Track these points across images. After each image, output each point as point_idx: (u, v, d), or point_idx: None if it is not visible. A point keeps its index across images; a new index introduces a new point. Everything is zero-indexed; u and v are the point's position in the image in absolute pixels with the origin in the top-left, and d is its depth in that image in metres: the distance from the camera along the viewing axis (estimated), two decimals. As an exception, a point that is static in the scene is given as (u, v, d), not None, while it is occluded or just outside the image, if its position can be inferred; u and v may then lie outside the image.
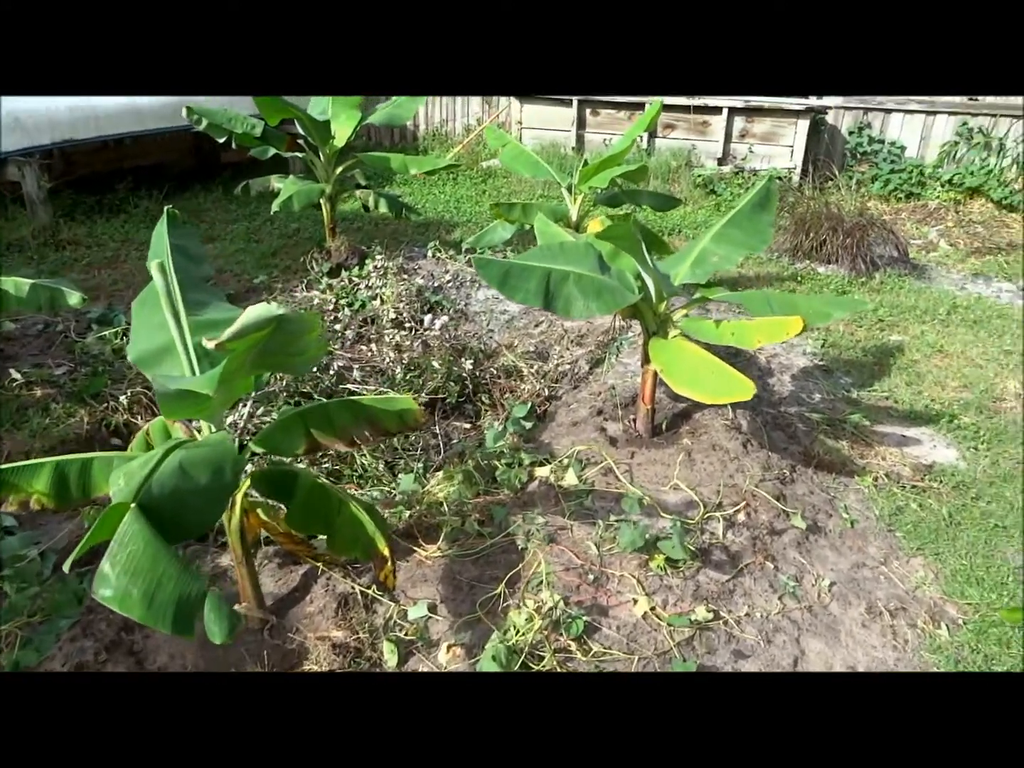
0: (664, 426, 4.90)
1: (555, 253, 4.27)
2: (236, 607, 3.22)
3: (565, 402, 5.55)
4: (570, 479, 4.10)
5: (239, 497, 2.99)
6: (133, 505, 2.21)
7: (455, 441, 5.51)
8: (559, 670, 2.90)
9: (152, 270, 2.69)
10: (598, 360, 6.00)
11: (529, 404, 5.52)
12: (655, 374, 4.60)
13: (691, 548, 3.50)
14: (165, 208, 3.48)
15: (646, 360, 4.60)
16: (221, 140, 7.12)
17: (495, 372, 5.98)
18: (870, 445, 4.95)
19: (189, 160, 11.22)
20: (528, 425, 5.33)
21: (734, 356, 5.81)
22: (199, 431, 3.00)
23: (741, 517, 3.99)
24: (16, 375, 5.09)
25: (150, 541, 2.14)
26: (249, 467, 3.22)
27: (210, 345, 2.10)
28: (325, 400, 2.94)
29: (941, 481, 4.57)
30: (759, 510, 4.12)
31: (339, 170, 7.59)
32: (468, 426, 5.63)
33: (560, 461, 4.35)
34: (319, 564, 3.58)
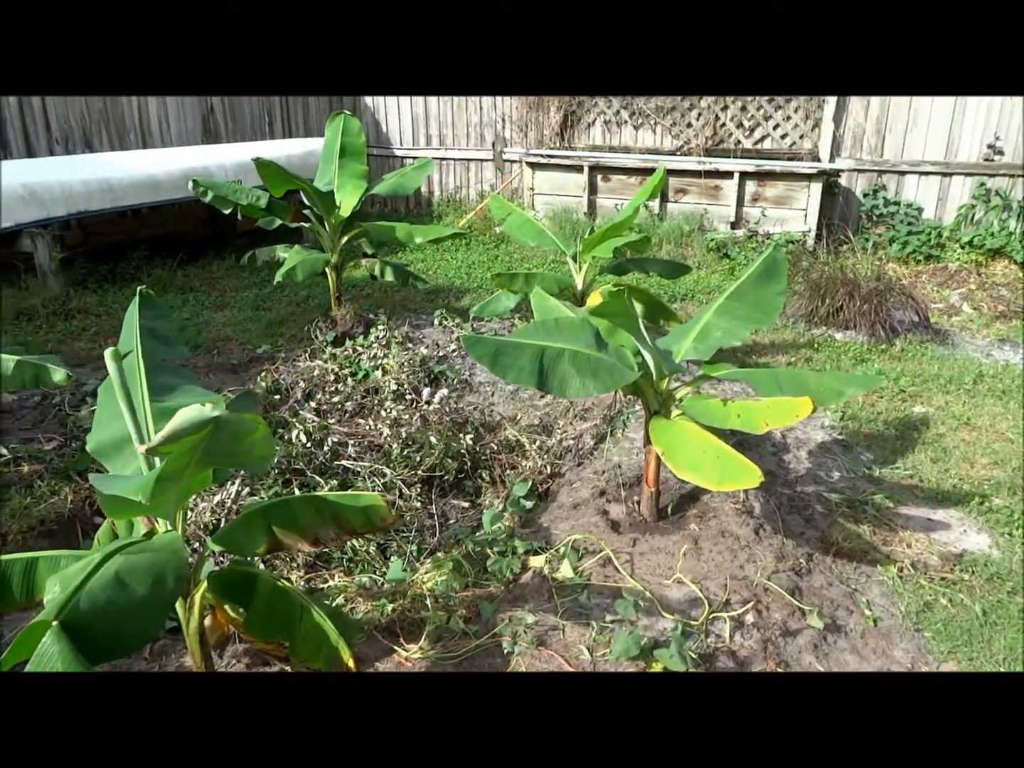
0: (670, 509, 4.62)
1: (550, 329, 4.08)
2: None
3: (568, 480, 5.30)
4: (565, 571, 3.82)
5: (197, 597, 2.77)
6: (54, 623, 2.00)
7: (452, 521, 5.26)
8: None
9: (106, 357, 2.53)
10: (603, 435, 5.75)
11: (530, 482, 5.28)
12: (658, 456, 4.34)
13: (693, 655, 3.19)
14: (138, 289, 3.35)
15: (648, 440, 4.35)
16: (227, 212, 7.13)
17: (496, 447, 5.76)
18: (894, 530, 4.62)
19: (205, 229, 11.34)
20: (528, 505, 5.09)
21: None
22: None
23: (751, 617, 3.67)
24: (3, 451, 4.95)
25: (71, 664, 1.92)
26: (210, 565, 3.01)
27: (141, 449, 1.91)
28: (286, 496, 2.74)
29: (973, 572, 4.21)
30: (771, 607, 3.80)
31: (345, 239, 7.55)
32: (467, 505, 5.39)
33: (556, 549, 4.07)
34: (289, 667, 3.32)
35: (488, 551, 4.11)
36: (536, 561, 3.99)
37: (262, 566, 2.95)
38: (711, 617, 3.60)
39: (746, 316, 4.24)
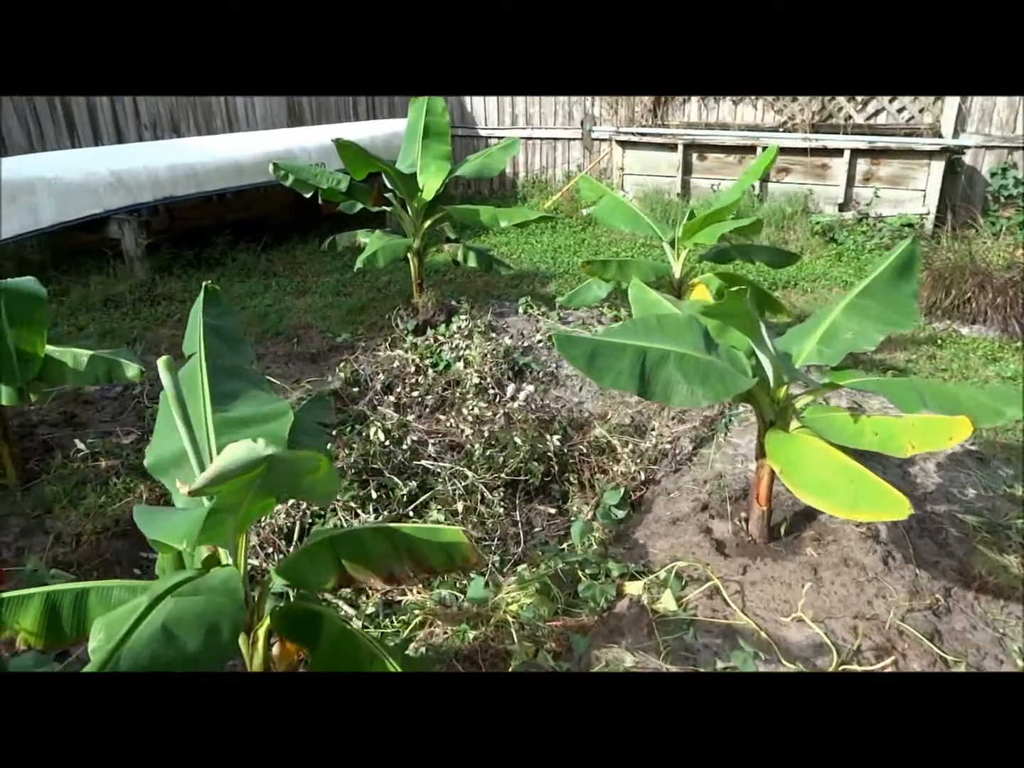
0: (783, 529, 4.12)
1: (652, 328, 3.63)
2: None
3: (664, 489, 4.84)
4: (667, 603, 3.40)
5: (261, 632, 2.48)
6: (93, 685, 1.72)
7: (538, 529, 4.89)
8: None
9: (160, 368, 2.25)
10: (703, 439, 5.26)
11: (622, 490, 4.85)
12: (772, 472, 3.85)
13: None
14: (204, 284, 3.08)
15: (761, 454, 3.86)
16: (307, 196, 6.91)
17: (585, 449, 5.34)
18: (1046, 562, 3.99)
19: (289, 213, 11.26)
20: (620, 514, 4.67)
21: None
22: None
23: (888, 670, 3.17)
24: (81, 445, 4.85)
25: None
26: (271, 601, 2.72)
27: (183, 490, 1.60)
28: (358, 526, 2.42)
29: None
30: (908, 655, 3.28)
31: (427, 224, 7.24)
32: (553, 511, 5.01)
33: (656, 575, 3.65)
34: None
35: (579, 573, 3.72)
36: (633, 587, 3.58)
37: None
38: (840, 668, 3.11)
39: (879, 317, 3.68)
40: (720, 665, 3.01)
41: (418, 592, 3.99)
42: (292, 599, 2.43)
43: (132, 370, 4.22)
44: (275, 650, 2.73)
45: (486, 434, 5.18)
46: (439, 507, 4.67)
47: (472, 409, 5.39)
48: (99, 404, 5.82)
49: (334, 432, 5.25)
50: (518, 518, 4.84)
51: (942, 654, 3.29)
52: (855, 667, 3.08)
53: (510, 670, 3.11)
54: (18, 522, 4.22)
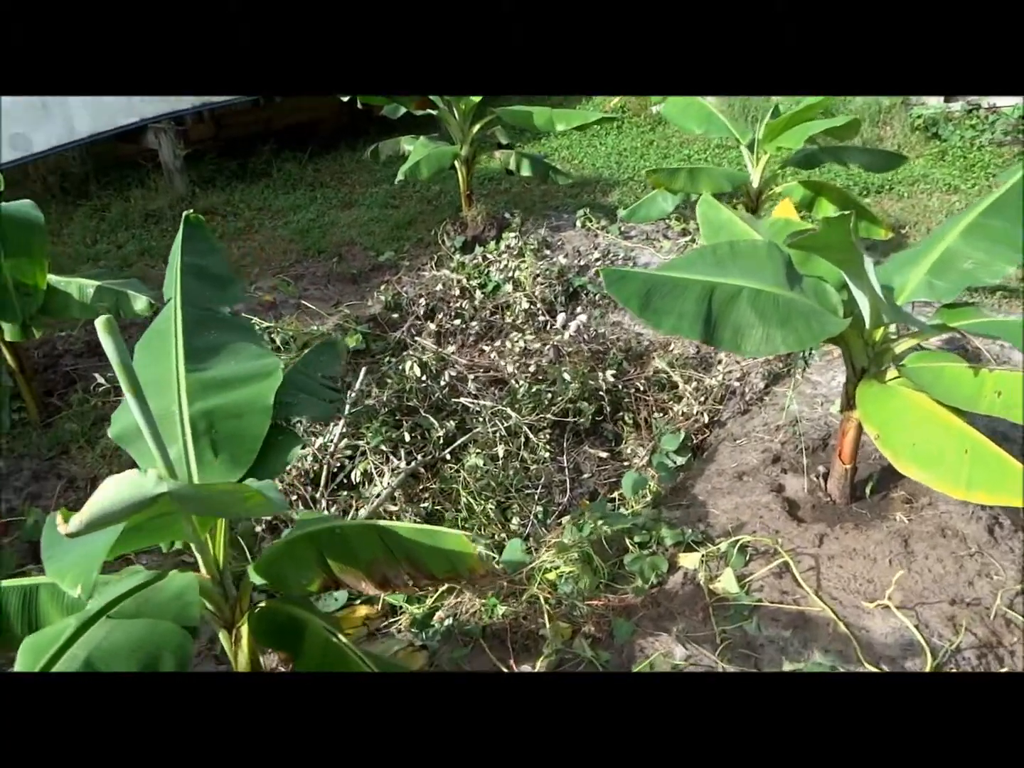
0: (868, 488, 3.56)
1: (722, 257, 3.02)
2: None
3: (730, 433, 4.30)
4: (728, 584, 2.93)
5: (245, 630, 2.13)
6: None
7: (586, 476, 4.45)
8: None
9: (98, 329, 1.81)
10: (777, 376, 4.65)
11: (683, 433, 4.33)
12: (860, 426, 3.26)
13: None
14: (184, 214, 2.62)
15: (848, 405, 3.27)
16: (345, 99, 6.32)
17: (642, 385, 4.81)
18: None
19: (340, 118, 10.60)
20: (680, 461, 4.18)
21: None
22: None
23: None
24: (101, 379, 4.58)
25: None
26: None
27: (62, 529, 1.18)
28: (342, 522, 2.01)
29: None
30: (1016, 650, 2.75)
31: (476, 128, 6.57)
32: (605, 455, 4.54)
33: (717, 547, 3.16)
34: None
35: (627, 540, 3.27)
36: (688, 560, 3.11)
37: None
38: (935, 668, 2.61)
39: (1008, 241, 2.96)
40: (787, 667, 2.56)
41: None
42: (275, 599, 2.06)
43: (140, 303, 3.86)
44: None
45: (532, 369, 4.69)
46: (478, 450, 4.26)
47: (517, 342, 4.87)
48: (128, 331, 5.54)
49: (362, 371, 4.85)
50: (565, 463, 4.39)
51: (1060, 652, 2.75)
52: (952, 667, 2.58)
53: (541, 657, 2.73)
54: (31, 464, 4.01)
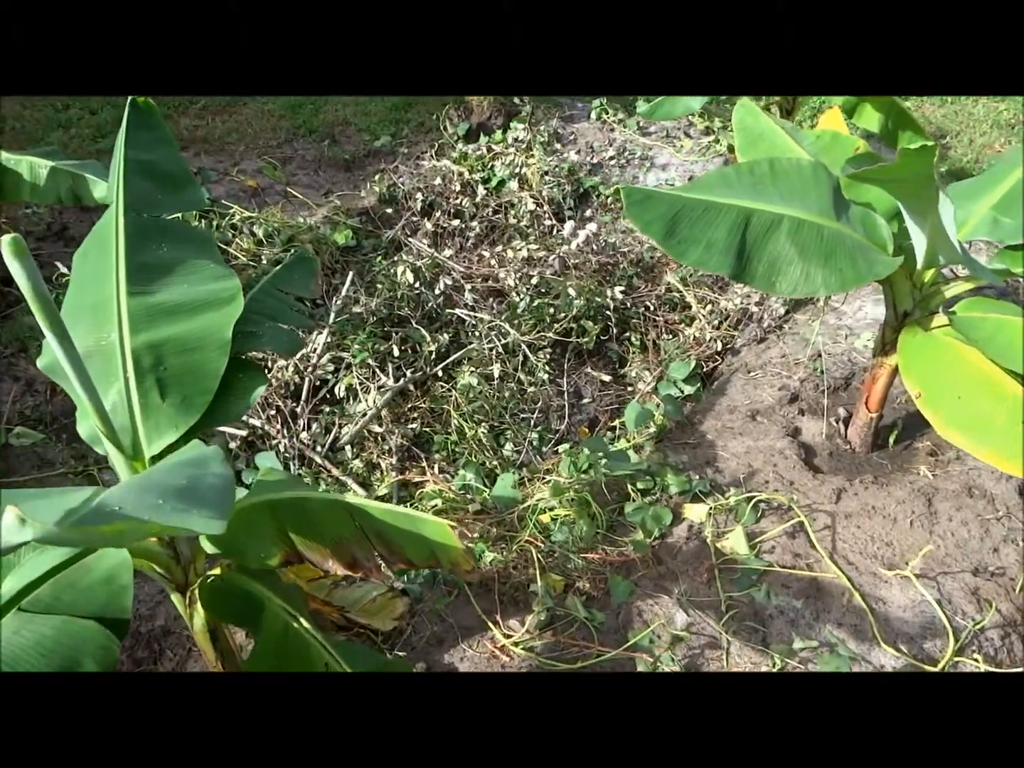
0: (892, 437, 3.29)
1: (760, 178, 2.62)
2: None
3: (744, 363, 3.99)
4: (737, 543, 2.69)
5: (197, 592, 1.89)
6: None
7: (587, 400, 4.18)
8: None
9: (3, 252, 1.46)
10: (799, 302, 4.30)
11: (693, 361, 4.03)
12: (893, 372, 2.96)
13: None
14: (130, 98, 2.19)
15: (883, 350, 2.95)
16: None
17: (653, 304, 4.46)
18: None
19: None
20: (689, 390, 3.90)
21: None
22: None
23: (1015, 644, 2.47)
24: (63, 268, 4.19)
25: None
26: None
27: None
28: (308, 492, 1.73)
29: None
30: (1043, 628, 2.56)
31: None
32: (608, 378, 4.25)
33: (726, 499, 2.92)
34: (349, 633, 2.51)
35: (628, 486, 3.01)
36: (694, 513, 2.87)
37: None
38: (958, 652, 2.41)
39: (1096, 175, 2.56)
40: (797, 644, 2.35)
41: (434, 481, 3.40)
42: (231, 570, 1.81)
43: (100, 189, 3.43)
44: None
45: (535, 281, 4.31)
46: (472, 369, 3.96)
47: (520, 250, 4.47)
48: (98, 213, 5.10)
49: (355, 270, 4.47)
50: (565, 387, 4.11)
51: (1085, 632, 2.56)
52: (972, 660, 2.37)
53: (531, 614, 2.52)
54: (-15, 365, 3.69)
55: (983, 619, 2.49)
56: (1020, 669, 2.38)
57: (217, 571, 1.82)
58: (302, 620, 1.72)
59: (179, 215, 2.19)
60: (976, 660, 2.36)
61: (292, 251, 4.55)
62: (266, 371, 3.85)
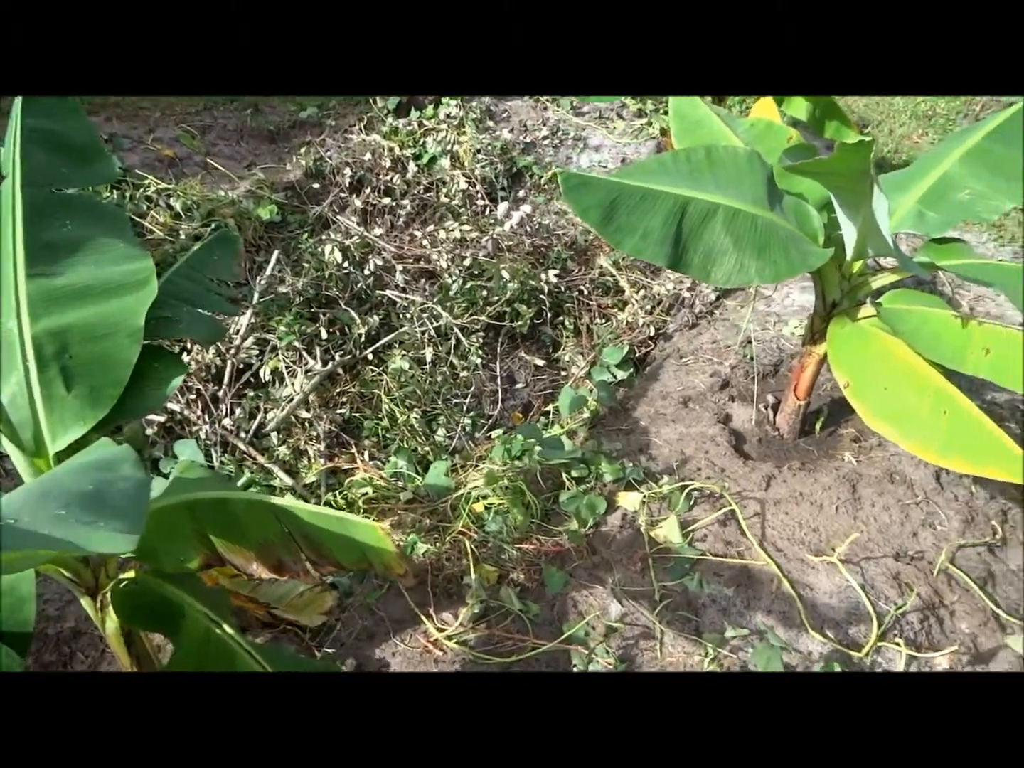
0: (819, 424, 3.36)
1: (697, 166, 2.61)
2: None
3: (676, 349, 4.02)
4: (670, 533, 2.70)
5: (109, 596, 1.77)
6: None
7: (520, 385, 4.14)
8: None
9: None
10: (730, 288, 4.34)
11: (626, 346, 4.03)
12: (820, 361, 3.01)
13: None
14: (27, 57, 2.00)
15: (812, 339, 3.00)
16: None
17: (586, 288, 4.44)
18: None
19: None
20: (622, 375, 3.90)
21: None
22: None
23: (932, 628, 2.56)
24: None
25: None
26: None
27: None
28: (229, 492, 1.62)
29: None
30: (957, 610, 2.66)
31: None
32: (541, 362, 4.22)
33: (659, 487, 2.92)
34: (276, 631, 2.42)
35: (563, 474, 2.99)
36: (628, 501, 2.87)
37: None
38: (881, 637, 2.48)
39: (1014, 174, 2.63)
40: (729, 633, 2.38)
41: (365, 469, 3.30)
42: (145, 573, 1.69)
43: None
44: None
45: (467, 263, 4.23)
46: (403, 352, 3.86)
47: (452, 231, 4.37)
48: None
49: (280, 249, 4.29)
50: (498, 371, 4.05)
51: (995, 610, 2.67)
52: (894, 645, 2.45)
53: (465, 607, 2.48)
54: None
55: (904, 603, 2.57)
56: (933, 654, 2.47)
57: (131, 574, 1.70)
58: (225, 626, 1.62)
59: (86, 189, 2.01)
60: (898, 644, 2.44)
61: (213, 226, 4.35)
62: (186, 352, 3.67)
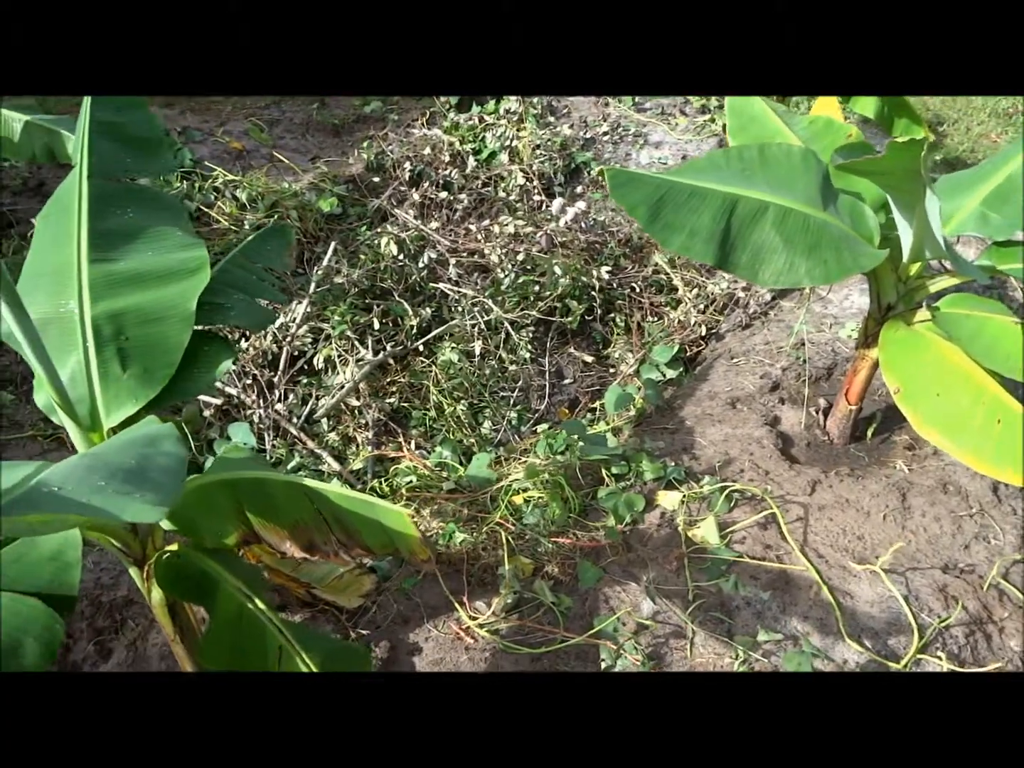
0: (871, 429, 3.28)
1: (749, 163, 2.57)
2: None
3: (728, 349, 3.96)
4: (708, 533, 2.68)
5: (153, 567, 1.86)
6: None
7: (568, 381, 4.14)
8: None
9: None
10: (786, 289, 4.26)
11: (676, 345, 4.00)
12: (874, 366, 2.94)
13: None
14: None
15: (866, 342, 2.93)
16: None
17: (639, 285, 4.41)
18: None
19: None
20: (671, 374, 3.87)
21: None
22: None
23: (978, 643, 2.48)
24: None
25: None
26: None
27: None
28: (267, 474, 1.69)
29: None
30: (1006, 627, 2.57)
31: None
32: (590, 359, 4.22)
33: (700, 487, 2.90)
34: (314, 610, 2.50)
35: (603, 471, 2.99)
36: (667, 500, 2.86)
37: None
38: (922, 649, 2.42)
39: (1089, 174, 2.52)
40: (762, 637, 2.35)
41: (411, 458, 3.36)
42: (186, 547, 1.77)
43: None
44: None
45: (521, 257, 4.25)
46: (453, 345, 3.91)
47: (507, 225, 4.40)
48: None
49: (335, 243, 4.39)
50: (546, 366, 4.07)
51: (1049, 631, 2.57)
52: (935, 658, 2.38)
53: (498, 597, 2.51)
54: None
55: (949, 616, 2.49)
56: (981, 669, 2.39)
57: (175, 547, 1.78)
58: (257, 602, 1.69)
59: (152, 179, 2.11)
60: (939, 658, 2.37)
61: (275, 217, 4.49)
62: (244, 339, 3.80)
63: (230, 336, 3.79)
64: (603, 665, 2.31)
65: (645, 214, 2.35)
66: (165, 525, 1.72)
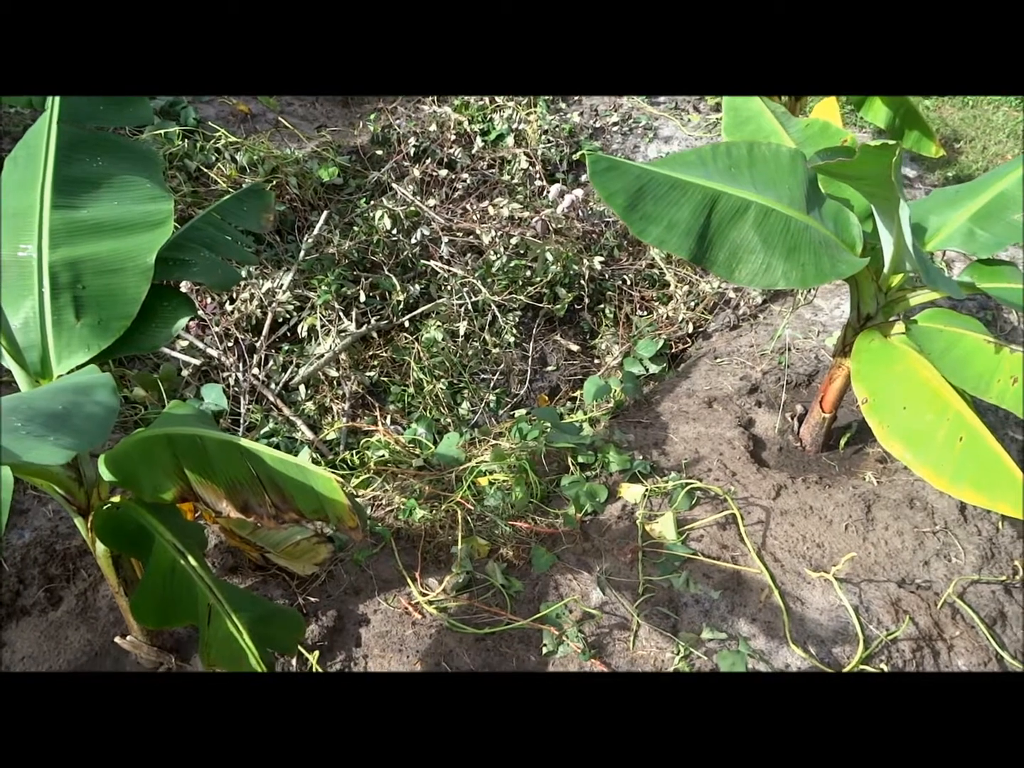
0: (844, 439, 3.26)
1: (736, 161, 2.55)
2: (119, 640, 2.22)
3: (713, 349, 3.95)
4: (666, 529, 2.67)
5: (93, 519, 1.87)
6: None
7: (551, 368, 4.13)
8: None
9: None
10: (779, 292, 4.23)
11: (662, 340, 3.99)
12: (848, 375, 2.91)
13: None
14: None
15: (843, 351, 2.90)
16: None
17: (631, 278, 4.39)
18: None
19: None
20: (653, 369, 3.86)
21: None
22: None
23: (924, 659, 2.47)
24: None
25: None
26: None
27: None
28: (205, 431, 1.68)
29: None
30: (955, 646, 2.56)
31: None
32: (575, 348, 4.20)
33: (664, 482, 2.89)
34: (266, 574, 2.51)
35: (570, 459, 2.99)
36: (629, 493, 2.85)
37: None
38: (864, 659, 2.41)
39: (1079, 196, 2.49)
40: (706, 635, 2.35)
41: (384, 432, 3.36)
42: (126, 500, 1.78)
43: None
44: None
45: (514, 241, 4.23)
46: (439, 323, 3.90)
47: (502, 208, 4.37)
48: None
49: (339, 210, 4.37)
50: (530, 352, 4.06)
51: (999, 650, 2.56)
52: (877, 670, 2.37)
53: (447, 578, 2.51)
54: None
55: (897, 630, 2.48)
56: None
57: (117, 499, 1.79)
58: (190, 559, 1.69)
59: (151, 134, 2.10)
60: (881, 670, 2.37)
61: (274, 182, 4.47)
62: (230, 301, 3.80)
63: (215, 297, 3.79)
64: (544, 650, 2.31)
65: (623, 203, 2.33)
66: (106, 476, 1.72)
